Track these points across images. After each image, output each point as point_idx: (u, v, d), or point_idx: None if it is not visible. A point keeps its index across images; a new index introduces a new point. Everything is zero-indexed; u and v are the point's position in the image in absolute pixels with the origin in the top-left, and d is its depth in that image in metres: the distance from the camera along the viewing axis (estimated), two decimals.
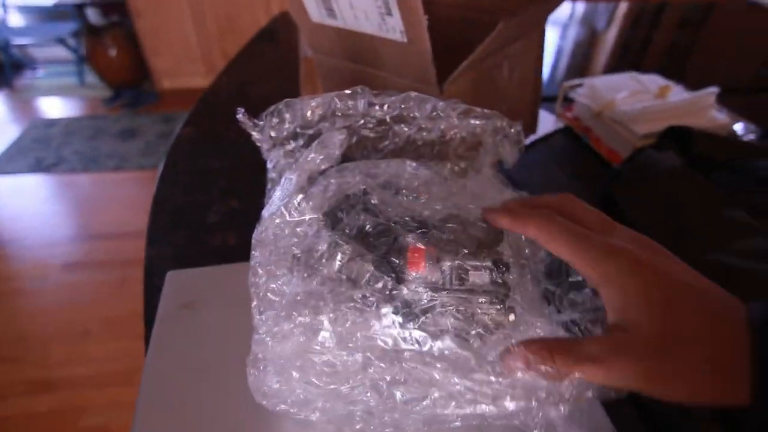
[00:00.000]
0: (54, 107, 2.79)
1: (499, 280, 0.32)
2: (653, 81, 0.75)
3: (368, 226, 0.35)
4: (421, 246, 0.33)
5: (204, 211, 0.63)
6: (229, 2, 2.52)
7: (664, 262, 0.27)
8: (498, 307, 0.32)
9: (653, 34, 1.38)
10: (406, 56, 0.48)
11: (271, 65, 1.02)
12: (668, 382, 0.24)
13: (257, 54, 1.08)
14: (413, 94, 0.41)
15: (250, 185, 0.68)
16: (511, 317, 0.32)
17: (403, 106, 0.41)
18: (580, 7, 1.51)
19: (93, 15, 2.81)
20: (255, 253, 0.32)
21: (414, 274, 0.32)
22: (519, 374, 0.29)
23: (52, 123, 2.61)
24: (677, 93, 0.71)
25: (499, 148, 0.44)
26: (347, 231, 0.34)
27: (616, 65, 1.14)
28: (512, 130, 0.42)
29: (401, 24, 0.45)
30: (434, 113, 0.41)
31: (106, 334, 1.54)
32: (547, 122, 0.79)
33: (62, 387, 1.37)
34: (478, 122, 0.41)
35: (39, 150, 2.38)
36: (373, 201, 0.37)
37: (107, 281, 1.72)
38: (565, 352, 0.27)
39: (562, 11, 1.47)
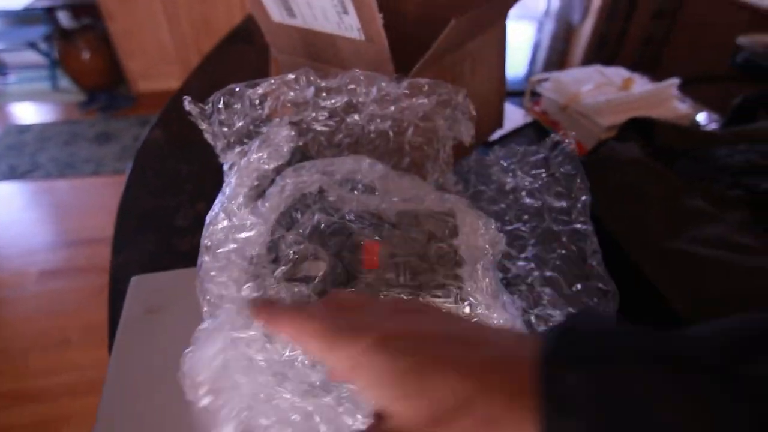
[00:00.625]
0: (27, 113, 2.73)
1: (451, 274, 0.33)
2: (617, 73, 0.76)
3: (323, 224, 0.35)
4: (374, 242, 0.33)
5: (173, 215, 0.62)
6: (203, 2, 2.49)
7: (420, 323, 0.24)
8: (450, 300, 0.32)
9: (628, 27, 1.39)
10: (365, 54, 0.48)
11: (243, 65, 1.01)
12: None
13: (229, 54, 1.07)
14: (358, 71, 0.41)
15: (218, 188, 0.67)
16: (466, 309, 0.33)
17: (350, 86, 0.41)
18: (556, 1, 1.52)
19: (64, 18, 2.76)
20: (201, 260, 0.32)
21: (367, 270, 0.33)
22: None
23: (25, 129, 2.55)
24: (641, 85, 0.72)
25: (453, 126, 0.44)
26: (301, 231, 0.35)
27: (592, 59, 1.15)
28: (459, 97, 0.43)
29: (358, 22, 0.45)
30: (383, 94, 0.42)
31: (87, 341, 1.51)
32: (516, 117, 0.80)
33: (43, 398, 1.35)
34: (426, 100, 0.42)
35: (13, 157, 2.33)
36: (330, 198, 0.37)
37: (87, 288, 1.69)
38: None
39: (538, 5, 1.49)
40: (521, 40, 1.26)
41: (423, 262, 0.33)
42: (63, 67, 2.68)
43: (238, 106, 0.43)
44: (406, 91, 0.45)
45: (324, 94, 0.45)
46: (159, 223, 0.61)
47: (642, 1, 1.50)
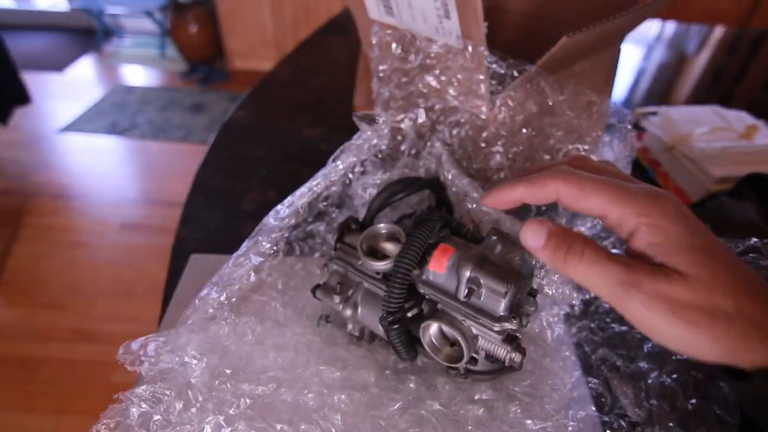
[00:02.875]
0: (135, 75, 2.96)
1: (513, 325, 0.29)
2: (739, 118, 0.67)
3: (418, 212, 0.35)
4: (451, 248, 0.31)
5: (241, 197, 0.63)
6: None
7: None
8: (507, 347, 0.29)
9: (750, 65, 1.25)
10: (461, 63, 0.44)
11: (333, 57, 1.01)
12: (708, 334, 0.22)
13: (322, 44, 1.08)
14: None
15: (290, 177, 0.67)
16: (516, 357, 0.29)
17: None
18: (670, 28, 1.40)
19: None
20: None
21: (433, 271, 0.31)
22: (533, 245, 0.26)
23: (131, 90, 2.77)
24: (766, 135, 0.63)
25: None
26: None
27: (702, 95, 1.04)
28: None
29: (459, 28, 0.42)
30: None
31: (148, 297, 1.61)
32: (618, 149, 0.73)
33: (100, 340, 1.45)
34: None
35: (116, 114, 2.53)
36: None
37: (158, 246, 1.80)
38: (599, 252, 0.24)
39: (649, 29, 1.37)
40: (624, 64, 1.17)
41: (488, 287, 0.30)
42: (172, 37, 2.87)
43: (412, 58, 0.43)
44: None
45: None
46: (227, 203, 0.62)
47: None
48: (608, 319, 0.44)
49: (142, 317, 1.53)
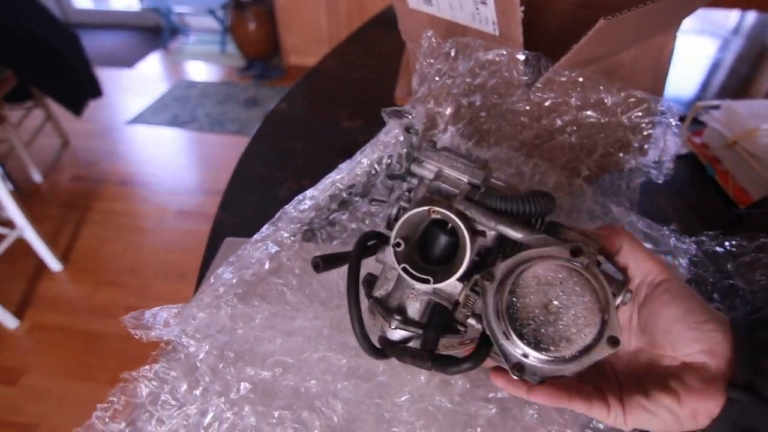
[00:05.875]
0: (197, 71, 3.10)
1: None
2: None
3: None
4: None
5: (278, 186, 0.64)
6: None
7: None
8: None
9: None
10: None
11: (379, 51, 1.01)
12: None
13: (368, 39, 1.08)
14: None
15: (326, 168, 0.68)
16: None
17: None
18: (751, 18, 1.29)
19: None
20: None
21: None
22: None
23: (192, 85, 2.90)
24: None
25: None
26: None
27: None
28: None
29: (494, 14, 0.40)
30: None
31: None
32: (668, 145, 0.68)
33: None
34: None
35: (178, 107, 2.67)
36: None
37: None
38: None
39: (728, 19, 1.27)
40: (697, 57, 1.08)
41: None
42: (232, 34, 2.98)
43: (461, 62, 0.42)
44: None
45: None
46: (264, 191, 0.64)
47: None
48: None
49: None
